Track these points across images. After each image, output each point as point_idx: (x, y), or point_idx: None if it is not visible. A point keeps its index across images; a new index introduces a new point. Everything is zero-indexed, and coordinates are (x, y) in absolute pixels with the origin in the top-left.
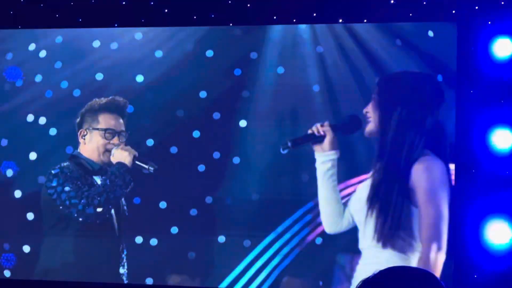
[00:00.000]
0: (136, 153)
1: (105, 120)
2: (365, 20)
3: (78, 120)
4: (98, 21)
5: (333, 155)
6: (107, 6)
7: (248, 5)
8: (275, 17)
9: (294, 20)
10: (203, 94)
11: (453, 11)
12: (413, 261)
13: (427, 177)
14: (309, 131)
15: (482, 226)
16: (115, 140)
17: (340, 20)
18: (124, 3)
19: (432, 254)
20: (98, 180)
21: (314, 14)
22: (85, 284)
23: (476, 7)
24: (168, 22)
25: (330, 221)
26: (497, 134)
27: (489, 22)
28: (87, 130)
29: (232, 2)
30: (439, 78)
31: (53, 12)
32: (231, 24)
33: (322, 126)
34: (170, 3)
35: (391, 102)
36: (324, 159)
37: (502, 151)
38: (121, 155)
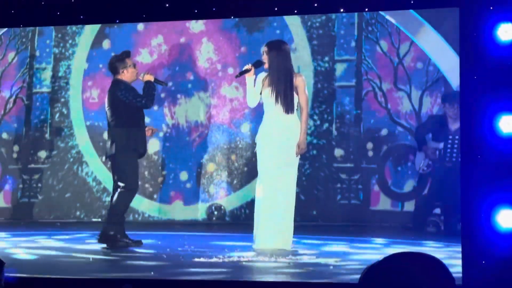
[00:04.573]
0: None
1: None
2: (366, 9)
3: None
4: (100, 18)
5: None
6: (109, 2)
7: None
8: (276, 9)
9: (296, 11)
10: None
11: None
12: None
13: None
14: (244, 68)
15: (491, 212)
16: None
17: (342, 10)
18: None
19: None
20: None
21: (316, 4)
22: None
23: None
24: (169, 16)
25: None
26: (503, 120)
27: (491, 8)
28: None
29: None
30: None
31: (55, 10)
32: (232, 17)
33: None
34: None
35: None
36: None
37: (507, 135)
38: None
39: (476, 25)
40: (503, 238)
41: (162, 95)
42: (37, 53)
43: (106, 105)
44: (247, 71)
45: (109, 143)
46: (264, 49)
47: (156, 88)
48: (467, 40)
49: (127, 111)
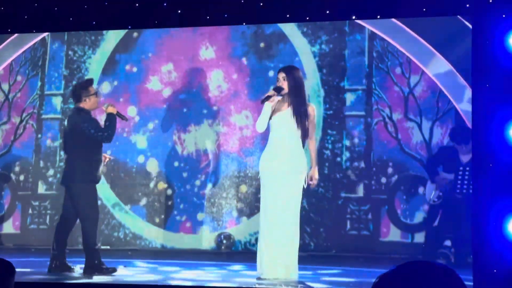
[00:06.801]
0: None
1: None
2: (378, 16)
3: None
4: (112, 24)
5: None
6: (121, 8)
7: (261, 4)
8: (288, 15)
9: (308, 18)
10: None
11: (467, 5)
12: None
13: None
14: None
15: (502, 221)
16: None
17: (354, 17)
18: (137, 5)
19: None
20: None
21: (327, 12)
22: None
23: (490, 0)
24: (181, 23)
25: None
26: None
27: (504, 15)
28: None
29: (245, 2)
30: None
31: (67, 16)
32: (244, 24)
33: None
34: (183, 4)
35: None
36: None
37: None
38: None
39: (488, 33)
40: None
41: (172, 122)
42: (47, 79)
43: (66, 132)
44: (270, 97)
45: (64, 170)
46: (281, 75)
47: (117, 122)
48: (479, 48)
49: (87, 140)
